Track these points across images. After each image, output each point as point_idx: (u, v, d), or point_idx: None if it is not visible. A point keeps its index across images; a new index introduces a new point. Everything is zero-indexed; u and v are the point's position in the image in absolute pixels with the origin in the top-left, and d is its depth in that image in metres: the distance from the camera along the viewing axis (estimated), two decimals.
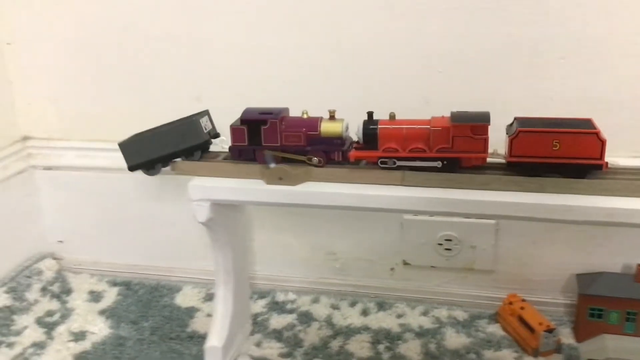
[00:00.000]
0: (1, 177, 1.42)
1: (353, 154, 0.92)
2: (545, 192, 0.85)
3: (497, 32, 1.14)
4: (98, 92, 1.39)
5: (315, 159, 0.93)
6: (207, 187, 0.96)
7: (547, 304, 1.29)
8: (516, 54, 1.15)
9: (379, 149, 0.91)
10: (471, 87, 1.19)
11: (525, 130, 0.85)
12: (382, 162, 0.91)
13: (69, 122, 1.44)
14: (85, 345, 1.28)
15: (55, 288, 1.46)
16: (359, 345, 1.24)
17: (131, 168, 1.03)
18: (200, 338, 1.27)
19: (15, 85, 1.44)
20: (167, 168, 1.02)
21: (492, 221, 1.27)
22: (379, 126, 0.90)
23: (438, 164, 0.89)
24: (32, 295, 1.42)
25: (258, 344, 1.25)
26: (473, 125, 0.87)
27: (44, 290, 1.45)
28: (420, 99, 1.18)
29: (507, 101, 1.17)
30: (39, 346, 1.27)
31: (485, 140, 0.87)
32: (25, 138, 1.49)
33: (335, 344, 1.25)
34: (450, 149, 0.88)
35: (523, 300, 1.26)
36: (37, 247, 1.53)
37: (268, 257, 1.42)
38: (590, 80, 1.14)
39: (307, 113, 0.95)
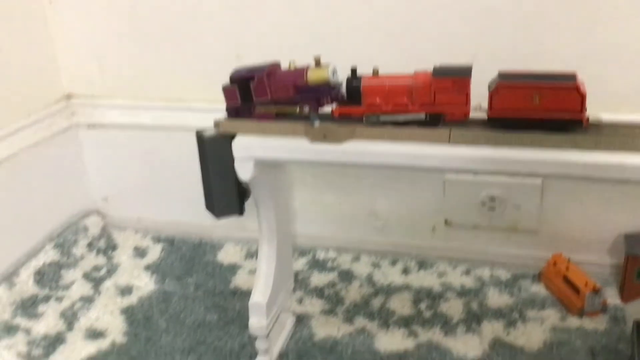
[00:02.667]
0: (46, 135, 1.44)
1: (337, 110, 0.92)
2: (599, 150, 0.82)
3: None
4: (140, 49, 1.39)
5: (306, 108, 0.92)
6: (250, 145, 0.95)
7: (593, 265, 1.27)
8: (567, 4, 1.11)
9: (362, 104, 0.90)
10: (520, 41, 1.15)
11: (505, 84, 0.83)
12: (366, 118, 0.91)
13: (112, 80, 1.45)
14: (132, 299, 1.31)
15: (101, 244, 1.50)
16: (400, 304, 1.24)
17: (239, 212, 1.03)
18: (242, 294, 1.29)
19: (58, 43, 1.45)
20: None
21: (538, 180, 1.24)
22: (362, 82, 0.90)
23: (424, 116, 0.88)
24: (78, 250, 1.46)
25: (300, 301, 1.27)
26: (454, 80, 0.85)
27: (90, 246, 1.48)
28: (468, 56, 1.14)
29: (557, 54, 1.14)
30: (87, 300, 1.31)
31: (467, 95, 0.86)
32: (69, 96, 1.50)
33: (376, 302, 1.25)
34: (433, 104, 0.87)
35: (568, 261, 1.24)
36: (83, 204, 1.56)
37: (309, 215, 1.43)
38: None
39: (294, 63, 0.94)
